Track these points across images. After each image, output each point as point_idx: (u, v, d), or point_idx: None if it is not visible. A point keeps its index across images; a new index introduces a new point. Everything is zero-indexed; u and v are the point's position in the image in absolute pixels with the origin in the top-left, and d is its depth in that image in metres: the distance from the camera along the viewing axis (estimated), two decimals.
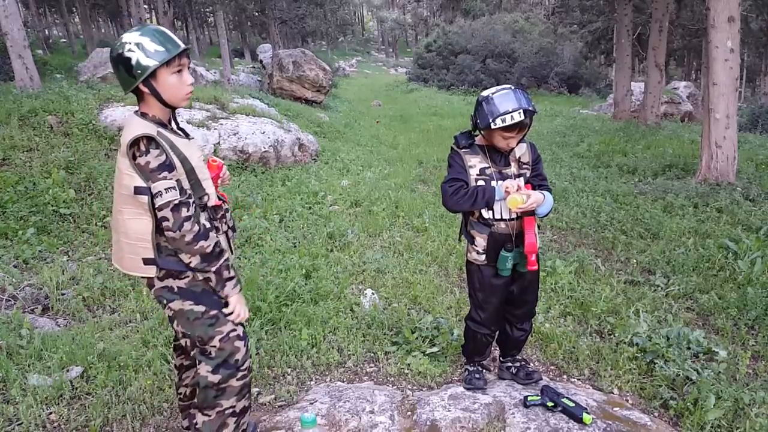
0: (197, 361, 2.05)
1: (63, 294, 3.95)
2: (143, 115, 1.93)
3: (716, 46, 7.20)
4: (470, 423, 2.46)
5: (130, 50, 1.80)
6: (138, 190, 1.85)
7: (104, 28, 42.93)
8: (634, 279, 4.40)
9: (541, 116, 15.69)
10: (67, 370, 2.93)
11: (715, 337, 3.49)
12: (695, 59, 31.34)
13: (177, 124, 2.04)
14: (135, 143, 1.83)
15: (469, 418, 2.48)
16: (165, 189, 1.83)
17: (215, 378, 2.02)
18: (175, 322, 2.02)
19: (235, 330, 2.05)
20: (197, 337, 2.01)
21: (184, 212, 1.85)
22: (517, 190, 2.37)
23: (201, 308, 1.99)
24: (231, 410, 2.08)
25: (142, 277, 2.01)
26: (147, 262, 1.94)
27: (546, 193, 2.46)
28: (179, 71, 1.89)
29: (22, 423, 2.55)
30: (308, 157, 8.90)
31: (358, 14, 75.36)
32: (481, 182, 2.47)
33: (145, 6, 24.06)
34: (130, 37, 1.82)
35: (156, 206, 1.84)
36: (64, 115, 6.93)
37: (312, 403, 2.66)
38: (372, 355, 3.29)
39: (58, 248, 4.81)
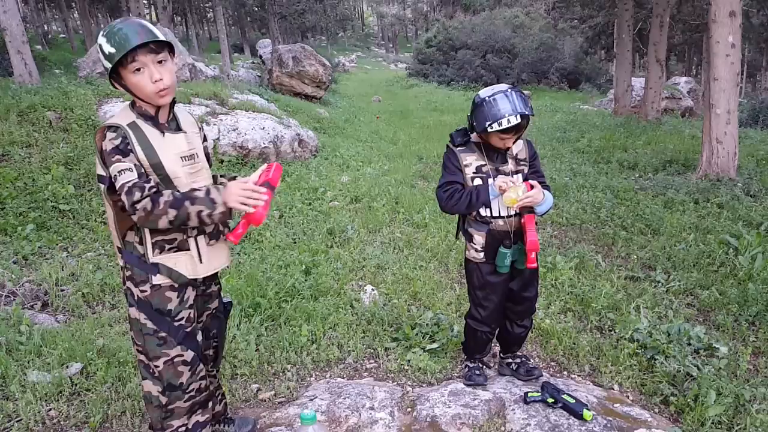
0: (141, 377, 2.02)
1: (62, 290, 3.94)
2: (132, 105, 1.92)
3: (717, 41, 7.18)
4: (470, 419, 2.46)
5: (99, 53, 1.82)
6: (99, 179, 1.88)
7: (103, 23, 42.77)
8: (634, 275, 4.40)
9: (542, 112, 15.65)
10: (67, 367, 2.92)
11: (716, 333, 3.48)
12: (696, 54, 31.27)
13: (168, 117, 1.95)
14: (101, 130, 1.85)
15: (470, 414, 2.48)
16: (119, 171, 1.78)
17: (163, 399, 1.98)
18: (132, 328, 1.98)
19: (182, 356, 1.97)
20: (145, 349, 1.96)
21: (137, 195, 1.76)
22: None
23: (153, 326, 1.93)
24: (183, 428, 2.04)
25: (121, 269, 2.00)
26: (118, 250, 1.96)
27: (545, 191, 2.45)
28: (138, 69, 1.80)
29: (21, 419, 2.55)
30: (308, 152, 8.88)
31: (357, 9, 75.14)
32: (477, 180, 2.47)
33: (144, 1, 23.99)
34: (100, 40, 1.81)
35: (117, 192, 1.80)
36: (64, 110, 6.91)
37: (312, 400, 2.65)
38: (372, 351, 3.28)
39: (57, 244, 4.80)
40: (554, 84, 25.70)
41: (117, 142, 1.80)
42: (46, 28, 33.61)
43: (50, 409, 2.63)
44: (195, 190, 1.86)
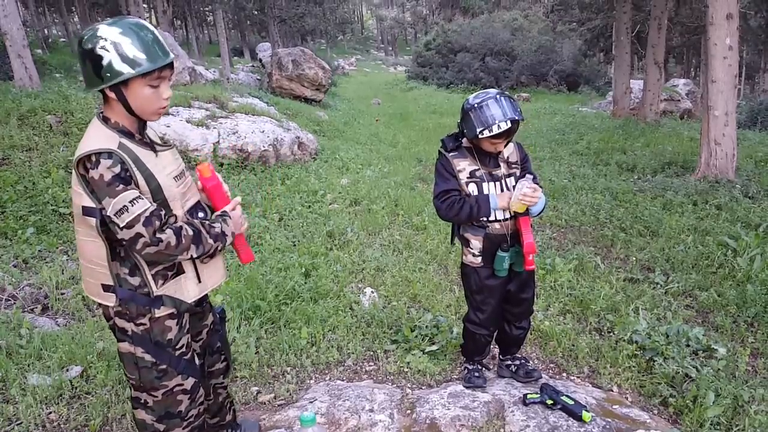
0: (133, 407, 1.92)
1: (62, 293, 3.95)
2: (105, 121, 1.69)
3: (715, 43, 7.20)
4: (470, 421, 2.46)
5: (103, 48, 1.57)
6: (86, 211, 1.64)
7: None
8: (633, 276, 4.40)
9: (540, 114, 15.69)
10: (67, 370, 2.93)
11: (715, 334, 3.49)
12: (694, 56, 31.32)
13: (142, 134, 1.78)
14: (87, 156, 1.60)
15: (469, 416, 2.48)
16: (130, 201, 1.59)
17: (160, 427, 1.89)
18: (123, 362, 1.85)
19: (182, 385, 1.87)
20: (140, 382, 1.83)
21: (157, 223, 1.63)
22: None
23: (152, 359, 1.80)
24: None
25: (99, 305, 1.83)
26: (106, 288, 1.74)
27: None
28: (157, 86, 1.66)
29: (21, 422, 2.55)
30: (308, 155, 8.89)
31: (357, 13, 75.26)
32: (472, 185, 2.47)
33: (144, 5, 24.04)
34: (108, 33, 1.58)
35: (124, 224, 1.59)
36: (64, 114, 6.93)
37: (311, 402, 2.66)
38: (371, 353, 3.29)
39: (57, 247, 4.81)
40: (553, 86, 25.71)
41: (117, 170, 1.60)
42: (46, 32, 33.64)
43: (50, 413, 2.64)
44: (211, 225, 1.81)
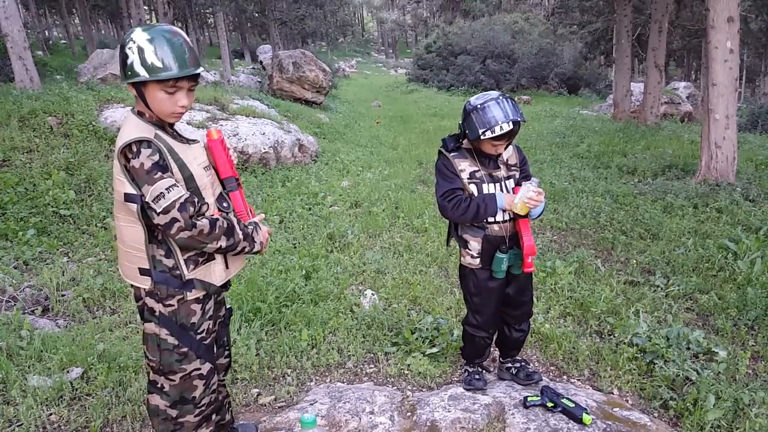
0: (148, 391, 1.98)
1: (63, 295, 3.95)
2: (140, 115, 1.83)
3: (716, 46, 7.21)
4: (470, 423, 2.46)
5: (130, 48, 1.70)
6: (128, 197, 1.74)
7: (104, 29, 42.92)
8: (633, 279, 4.40)
9: (541, 117, 15.70)
10: (68, 371, 2.93)
11: (715, 337, 3.49)
12: (695, 60, 31.36)
13: (172, 127, 1.92)
14: (128, 146, 1.72)
15: (469, 419, 2.48)
16: (167, 188, 1.71)
17: (173, 412, 1.95)
18: (146, 344, 1.93)
19: (199, 369, 1.95)
20: (160, 364, 1.91)
21: (191, 210, 1.74)
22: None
23: (174, 341, 1.88)
24: None
25: (133, 286, 1.93)
26: (142, 272, 1.84)
27: None
28: (173, 93, 1.77)
29: (22, 424, 2.55)
30: (308, 157, 8.90)
31: (357, 15, 75.38)
32: (472, 186, 2.46)
33: (145, 7, 24.08)
34: (138, 36, 1.71)
35: (161, 210, 1.70)
36: (64, 116, 6.94)
37: (312, 404, 2.66)
38: (372, 355, 3.29)
39: (58, 249, 4.81)
40: (554, 89, 25.75)
41: (156, 158, 1.72)
42: (47, 33, 33.70)
43: (51, 414, 2.64)
44: (246, 226, 1.94)
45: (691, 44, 26.07)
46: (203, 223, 1.77)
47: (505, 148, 2.50)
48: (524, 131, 13.20)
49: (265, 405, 2.79)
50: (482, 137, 2.32)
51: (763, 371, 3.09)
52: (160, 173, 1.72)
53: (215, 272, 1.95)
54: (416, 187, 7.61)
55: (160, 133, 1.80)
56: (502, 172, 2.51)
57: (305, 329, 3.43)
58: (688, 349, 3.15)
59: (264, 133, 8.18)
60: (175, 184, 1.74)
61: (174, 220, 1.72)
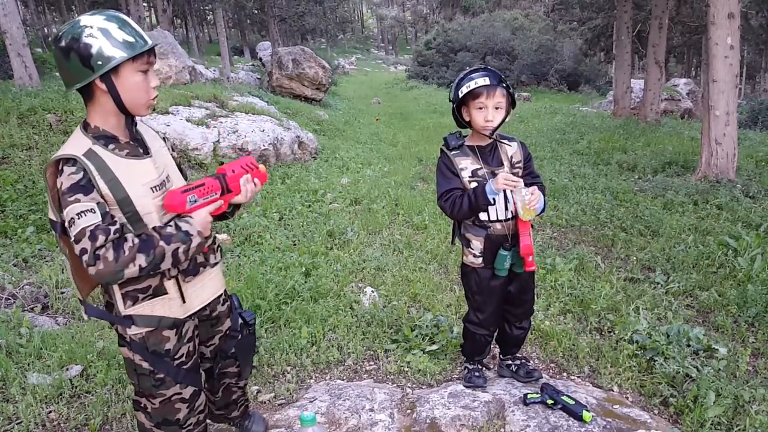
0: (134, 408, 1.90)
1: (62, 292, 3.94)
2: (85, 127, 1.60)
3: (716, 43, 7.19)
4: (470, 421, 2.46)
5: (91, 35, 1.48)
6: (51, 223, 1.58)
7: None
8: (633, 276, 4.40)
9: (541, 113, 15.68)
10: (67, 369, 2.93)
11: (715, 334, 3.48)
12: (695, 56, 31.32)
13: (132, 134, 1.69)
14: (54, 165, 1.52)
15: (469, 416, 2.48)
16: (77, 214, 1.47)
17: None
18: (125, 365, 1.81)
19: (180, 393, 1.81)
20: (139, 387, 1.81)
21: (100, 239, 1.47)
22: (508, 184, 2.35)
23: (149, 367, 1.73)
24: None
25: None
26: (80, 301, 1.69)
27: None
28: (145, 71, 1.59)
29: (21, 422, 2.55)
30: (308, 154, 8.89)
31: (357, 12, 75.26)
32: (474, 184, 2.43)
33: (144, 4, 24.03)
34: (92, 21, 1.51)
35: (72, 238, 1.49)
36: (64, 113, 6.92)
37: (312, 401, 2.66)
38: (372, 353, 3.29)
39: (57, 246, 4.80)
40: (554, 86, 25.73)
41: (77, 177, 1.49)
42: (46, 30, 33.62)
43: (50, 412, 2.64)
44: (162, 227, 1.62)
45: (691, 41, 26.04)
46: (104, 252, 1.48)
47: (500, 125, 2.40)
48: (524, 128, 13.20)
49: (265, 402, 2.79)
50: (461, 93, 2.34)
51: (763, 368, 3.09)
52: (76, 195, 1.48)
53: (170, 307, 1.72)
54: (416, 184, 7.60)
55: (97, 147, 1.56)
56: (505, 170, 2.48)
57: (305, 326, 3.42)
58: (689, 346, 3.15)
59: (263, 130, 8.16)
60: (91, 209, 1.48)
61: (83, 251, 1.47)
